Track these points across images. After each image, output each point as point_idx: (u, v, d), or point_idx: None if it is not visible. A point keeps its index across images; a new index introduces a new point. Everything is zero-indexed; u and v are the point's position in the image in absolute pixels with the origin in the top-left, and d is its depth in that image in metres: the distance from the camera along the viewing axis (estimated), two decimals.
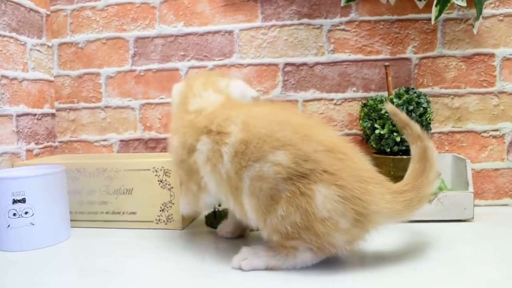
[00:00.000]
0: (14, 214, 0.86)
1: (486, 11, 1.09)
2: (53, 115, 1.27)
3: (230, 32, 1.18)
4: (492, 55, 1.10)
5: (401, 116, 0.75)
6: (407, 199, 0.68)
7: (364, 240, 0.70)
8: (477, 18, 1.04)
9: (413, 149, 0.75)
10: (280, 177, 0.66)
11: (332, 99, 1.15)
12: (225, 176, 0.72)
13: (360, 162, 0.70)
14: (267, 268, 0.70)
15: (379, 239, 0.86)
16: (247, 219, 0.73)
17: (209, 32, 1.19)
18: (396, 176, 0.96)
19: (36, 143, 1.18)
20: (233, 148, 0.70)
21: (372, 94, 1.13)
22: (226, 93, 0.84)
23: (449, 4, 0.99)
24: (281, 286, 0.65)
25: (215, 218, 0.97)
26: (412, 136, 0.75)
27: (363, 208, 0.65)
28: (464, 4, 0.99)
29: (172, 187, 0.96)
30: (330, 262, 0.74)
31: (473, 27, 1.07)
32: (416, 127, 0.74)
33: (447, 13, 1.10)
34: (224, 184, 0.73)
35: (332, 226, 0.65)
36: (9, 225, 0.86)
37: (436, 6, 1.00)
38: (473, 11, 1.07)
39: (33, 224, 0.87)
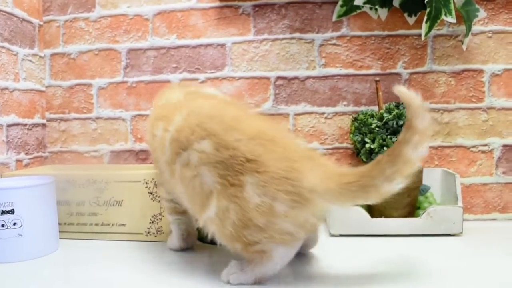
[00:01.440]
0: (3, 225, 0.85)
1: (475, 28, 1.10)
2: (43, 125, 1.26)
3: (222, 45, 1.19)
4: (481, 71, 1.12)
5: (415, 102, 0.65)
6: (346, 181, 0.65)
7: (318, 224, 0.72)
8: (466, 35, 1.06)
9: (399, 138, 0.66)
10: (203, 165, 0.69)
11: (323, 113, 1.16)
12: (167, 162, 0.77)
13: (289, 145, 0.70)
14: (256, 281, 0.70)
15: (367, 252, 0.87)
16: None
17: (201, 45, 1.19)
18: None
19: (26, 153, 1.18)
20: (171, 135, 0.75)
21: (363, 108, 1.14)
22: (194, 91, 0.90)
23: (439, 21, 1.01)
24: None
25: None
26: (408, 126, 0.65)
27: (293, 186, 0.65)
28: (453, 20, 1.00)
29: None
30: (318, 276, 0.74)
31: (463, 43, 1.09)
32: (420, 121, 0.64)
33: (437, 29, 1.12)
34: (168, 170, 0.77)
35: (269, 211, 0.65)
36: None
37: (426, 22, 1.01)
38: (463, 27, 1.09)
39: (22, 236, 0.86)
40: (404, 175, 0.64)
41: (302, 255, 0.85)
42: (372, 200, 0.66)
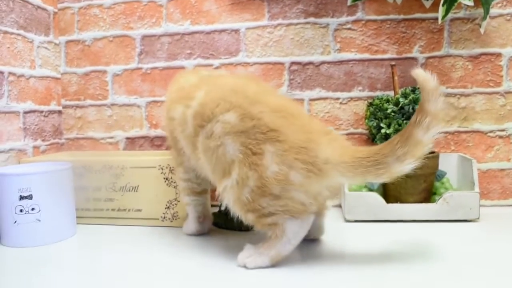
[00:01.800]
0: (21, 210, 0.86)
1: (493, 11, 1.08)
2: (59, 112, 1.27)
3: (237, 31, 1.18)
4: (499, 55, 1.10)
5: (430, 84, 0.66)
6: (359, 156, 0.68)
7: (330, 197, 0.74)
8: (484, 18, 1.04)
9: (411, 119, 0.67)
10: (227, 135, 0.71)
11: (338, 98, 1.15)
12: (188, 137, 0.80)
13: (307, 120, 0.74)
14: (273, 263, 0.71)
15: (382, 238, 0.87)
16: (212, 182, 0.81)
17: (215, 31, 1.19)
18: (403, 175, 0.97)
19: (43, 140, 1.19)
20: (194, 110, 0.78)
21: (378, 93, 1.13)
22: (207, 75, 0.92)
23: (456, 4, 0.99)
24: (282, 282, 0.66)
25: (221, 217, 0.97)
26: (420, 108, 0.67)
27: (310, 156, 0.68)
28: (471, 3, 0.98)
29: (178, 185, 0.96)
30: (334, 261, 0.74)
31: (480, 26, 1.07)
32: (432, 104, 0.65)
33: (454, 13, 1.10)
34: (190, 145, 0.80)
35: (285, 180, 0.68)
36: (16, 221, 0.86)
37: (443, 5, 1.00)
38: (480, 10, 1.06)
39: (40, 221, 0.87)
40: (415, 156, 0.66)
41: (315, 242, 0.85)
42: (383, 179, 0.68)
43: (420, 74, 0.67)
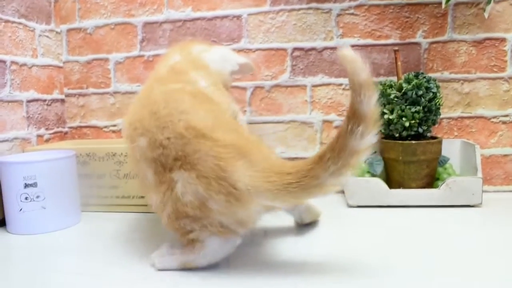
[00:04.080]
0: (26, 198, 0.87)
1: None
2: (62, 100, 1.27)
3: (238, 17, 1.17)
4: (503, 40, 1.09)
5: (360, 75, 0.56)
6: (285, 182, 0.59)
7: (257, 219, 0.66)
8: (488, 2, 1.03)
9: (341, 128, 0.58)
10: (143, 161, 0.67)
11: (340, 84, 1.15)
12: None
13: (228, 138, 0.64)
14: (181, 267, 0.68)
15: (385, 223, 0.87)
16: None
17: (217, 17, 1.18)
18: (405, 161, 0.97)
19: (46, 129, 1.19)
20: (126, 128, 0.73)
21: (381, 79, 1.12)
22: (194, 54, 0.83)
23: None
24: None
25: None
26: (351, 113, 0.57)
27: (223, 186, 0.60)
28: None
29: None
30: (336, 246, 0.75)
31: (484, 11, 1.06)
32: (365, 104, 0.55)
33: None
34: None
35: (202, 207, 0.62)
36: (21, 209, 0.87)
37: None
38: None
39: (45, 208, 0.88)
40: (353, 166, 0.58)
41: (318, 226, 0.86)
42: (318, 196, 0.60)
43: (347, 57, 0.56)
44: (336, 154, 0.57)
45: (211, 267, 0.67)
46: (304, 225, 0.86)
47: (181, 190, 0.63)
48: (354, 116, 0.56)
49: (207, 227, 0.64)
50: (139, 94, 0.78)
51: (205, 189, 0.61)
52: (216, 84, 0.79)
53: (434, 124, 1.00)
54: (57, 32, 1.25)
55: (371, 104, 0.55)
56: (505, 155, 1.11)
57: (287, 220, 0.88)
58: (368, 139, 0.57)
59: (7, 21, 1.04)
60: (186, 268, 0.67)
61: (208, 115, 0.67)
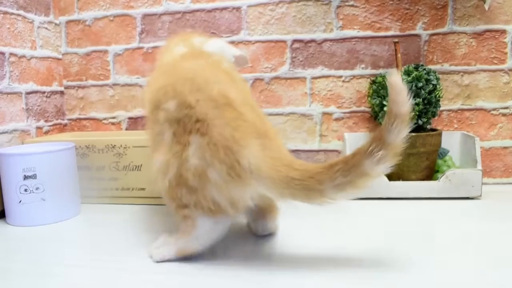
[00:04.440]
0: (26, 190, 0.87)
1: None
2: (61, 92, 1.27)
3: (238, 9, 1.17)
4: (503, 32, 1.08)
5: (401, 107, 0.55)
6: (290, 176, 0.59)
7: (248, 205, 0.64)
8: None
9: (363, 146, 0.58)
10: (166, 121, 0.66)
11: (340, 76, 1.15)
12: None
13: (249, 116, 0.64)
14: (178, 254, 0.68)
15: (385, 215, 0.87)
16: None
17: (216, 9, 1.18)
18: (406, 153, 0.97)
19: (46, 121, 1.19)
20: (151, 94, 0.73)
21: (381, 71, 1.12)
22: (197, 48, 0.83)
23: None
24: None
25: None
26: (377, 136, 0.57)
27: (229, 158, 0.61)
28: None
29: None
30: (335, 238, 0.75)
31: (485, 2, 1.05)
32: (394, 135, 0.55)
33: None
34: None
35: (202, 174, 0.62)
36: (20, 201, 0.87)
37: None
38: None
39: (44, 200, 0.88)
40: (358, 187, 0.57)
41: (317, 219, 0.86)
42: (313, 203, 0.60)
43: (395, 86, 0.55)
44: (347, 168, 0.57)
45: (210, 258, 0.67)
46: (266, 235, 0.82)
47: (191, 152, 0.63)
48: (379, 141, 0.56)
49: (200, 203, 0.64)
50: (161, 68, 0.80)
51: (211, 156, 0.61)
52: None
53: (434, 116, 1.00)
54: (56, 24, 1.25)
55: (400, 137, 0.55)
56: (505, 147, 1.11)
57: (283, 212, 0.88)
58: (384, 166, 0.56)
59: (5, 13, 1.04)
60: (183, 256, 0.67)
61: (239, 92, 0.67)
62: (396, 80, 0.55)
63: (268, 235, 0.78)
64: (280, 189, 0.60)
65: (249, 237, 0.77)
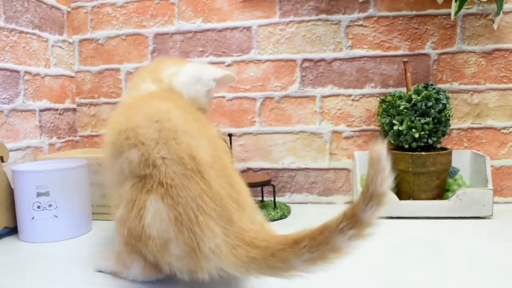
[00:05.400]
0: (38, 207, 0.88)
1: (507, 6, 1.07)
2: (74, 110, 1.29)
3: (248, 28, 1.19)
4: None
5: (380, 169, 0.48)
6: (251, 255, 0.55)
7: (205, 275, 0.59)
8: (497, 13, 1.03)
9: (332, 222, 0.52)
10: (128, 172, 0.62)
11: (350, 95, 1.15)
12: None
13: (219, 185, 0.60)
14: (112, 274, 0.69)
15: (395, 234, 0.87)
16: None
17: (227, 28, 1.20)
18: (414, 172, 0.97)
19: (58, 138, 1.21)
20: (112, 136, 0.67)
21: (391, 90, 1.13)
22: (166, 83, 0.79)
23: None
24: None
25: None
26: (350, 212, 0.51)
27: (194, 243, 0.57)
28: None
29: None
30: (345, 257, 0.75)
31: (493, 22, 1.06)
32: (368, 213, 0.50)
33: (467, 8, 1.09)
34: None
35: (163, 248, 0.58)
36: (33, 218, 0.88)
37: (455, 1, 0.99)
38: (494, 6, 1.06)
39: (57, 217, 0.89)
40: (328, 260, 0.52)
41: None
42: (283, 278, 0.54)
43: (377, 163, 0.48)
44: (315, 244, 0.51)
45: None
46: None
47: (149, 220, 0.58)
48: (351, 219, 0.50)
49: (150, 259, 0.62)
50: (124, 106, 0.72)
51: (175, 234, 0.57)
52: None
53: (444, 135, 1.00)
54: (69, 43, 1.27)
55: (373, 216, 0.50)
56: None
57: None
58: (355, 243, 0.51)
59: (21, 32, 1.06)
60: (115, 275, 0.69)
61: (209, 146, 0.63)
62: (379, 154, 0.47)
63: None
64: (242, 270, 0.56)
65: None
